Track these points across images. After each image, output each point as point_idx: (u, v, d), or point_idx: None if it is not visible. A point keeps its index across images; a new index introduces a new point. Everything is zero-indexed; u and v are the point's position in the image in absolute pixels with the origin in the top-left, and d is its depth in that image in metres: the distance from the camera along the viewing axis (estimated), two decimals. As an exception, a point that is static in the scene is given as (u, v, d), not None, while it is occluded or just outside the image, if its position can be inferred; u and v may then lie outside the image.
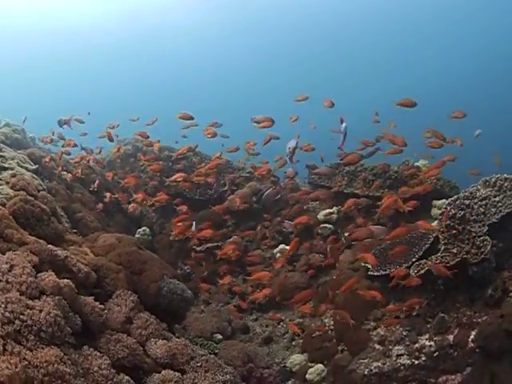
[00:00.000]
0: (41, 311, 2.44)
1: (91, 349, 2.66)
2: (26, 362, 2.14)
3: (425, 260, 4.32)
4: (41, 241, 3.19)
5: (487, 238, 4.27)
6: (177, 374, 2.91)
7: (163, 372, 2.89)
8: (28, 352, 2.20)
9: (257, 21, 27.47)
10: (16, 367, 2.05)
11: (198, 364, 3.04)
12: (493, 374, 3.85)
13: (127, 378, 2.69)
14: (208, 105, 19.35)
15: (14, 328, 2.24)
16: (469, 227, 4.40)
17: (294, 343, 4.71)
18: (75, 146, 5.92)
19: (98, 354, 2.66)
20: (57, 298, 2.64)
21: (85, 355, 2.57)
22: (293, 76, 26.47)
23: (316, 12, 26.40)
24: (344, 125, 5.07)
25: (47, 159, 5.43)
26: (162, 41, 27.79)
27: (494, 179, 4.69)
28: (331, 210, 5.56)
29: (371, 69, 27.19)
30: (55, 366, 2.21)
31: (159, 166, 6.25)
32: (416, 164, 5.77)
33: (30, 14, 24.10)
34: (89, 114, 7.02)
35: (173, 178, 5.83)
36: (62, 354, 2.32)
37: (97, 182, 5.85)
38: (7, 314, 2.28)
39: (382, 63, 27.48)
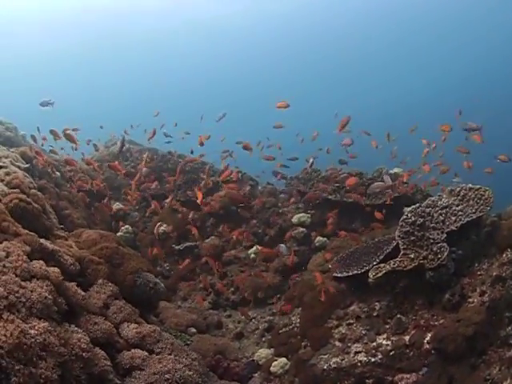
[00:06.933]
0: (32, 291, 3.35)
1: (72, 325, 3.56)
2: (20, 329, 3.04)
3: (383, 264, 5.14)
4: (32, 233, 4.10)
5: (444, 244, 4.99)
6: (145, 352, 3.81)
7: (133, 350, 3.79)
8: (21, 322, 3.10)
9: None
10: (11, 334, 2.94)
11: (164, 346, 3.94)
12: (451, 376, 4.44)
13: (102, 352, 3.58)
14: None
15: (9, 302, 3.14)
16: (428, 234, 5.18)
17: (263, 339, 5.60)
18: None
19: (79, 329, 3.56)
20: (45, 281, 3.54)
21: (66, 329, 3.46)
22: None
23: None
24: None
25: (40, 161, 6.35)
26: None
27: (458, 188, 5.40)
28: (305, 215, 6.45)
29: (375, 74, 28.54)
30: (44, 335, 3.12)
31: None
32: (391, 171, 6.60)
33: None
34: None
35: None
36: (50, 327, 3.22)
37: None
38: (5, 292, 3.18)
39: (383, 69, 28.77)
